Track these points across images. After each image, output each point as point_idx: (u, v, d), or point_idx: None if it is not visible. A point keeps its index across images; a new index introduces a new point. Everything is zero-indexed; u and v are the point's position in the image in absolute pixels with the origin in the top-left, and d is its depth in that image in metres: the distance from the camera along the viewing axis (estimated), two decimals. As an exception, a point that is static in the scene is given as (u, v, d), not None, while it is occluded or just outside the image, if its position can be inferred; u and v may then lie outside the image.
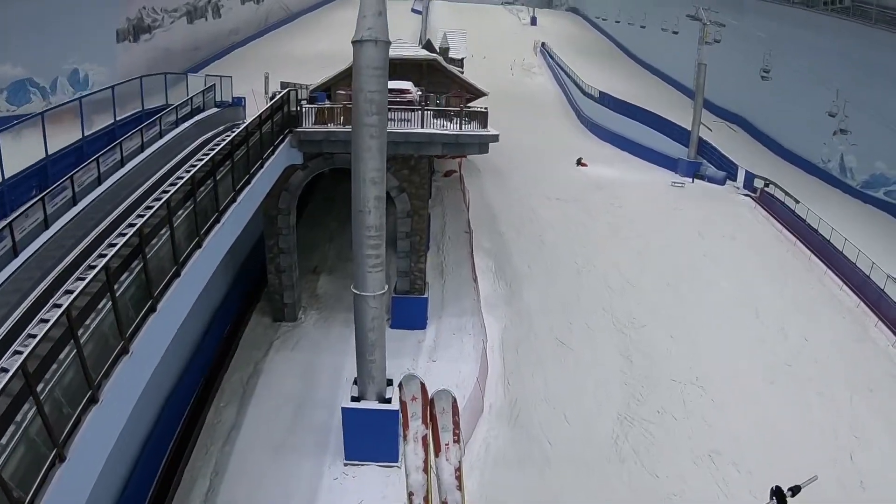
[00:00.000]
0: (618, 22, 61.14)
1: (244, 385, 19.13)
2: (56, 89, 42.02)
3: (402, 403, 7.88)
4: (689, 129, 42.87)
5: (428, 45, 43.10)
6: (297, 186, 21.62)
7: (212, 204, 14.68)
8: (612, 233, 28.46)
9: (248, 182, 16.14)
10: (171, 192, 12.54)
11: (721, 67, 53.83)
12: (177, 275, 11.97)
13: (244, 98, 29.05)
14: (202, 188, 14.11)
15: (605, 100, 51.05)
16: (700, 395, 19.98)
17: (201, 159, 16.13)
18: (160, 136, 19.38)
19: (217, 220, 14.84)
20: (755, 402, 19.46)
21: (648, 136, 45.95)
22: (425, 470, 7.57)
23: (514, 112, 55.78)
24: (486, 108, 22.98)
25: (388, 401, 15.45)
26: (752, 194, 37.75)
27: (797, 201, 33.43)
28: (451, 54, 45.33)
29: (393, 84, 24.27)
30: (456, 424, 7.58)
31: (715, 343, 22.32)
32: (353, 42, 14.14)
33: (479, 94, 34.26)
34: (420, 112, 21.40)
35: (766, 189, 36.88)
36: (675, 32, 48.71)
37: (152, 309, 10.72)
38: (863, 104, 39.58)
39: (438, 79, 33.97)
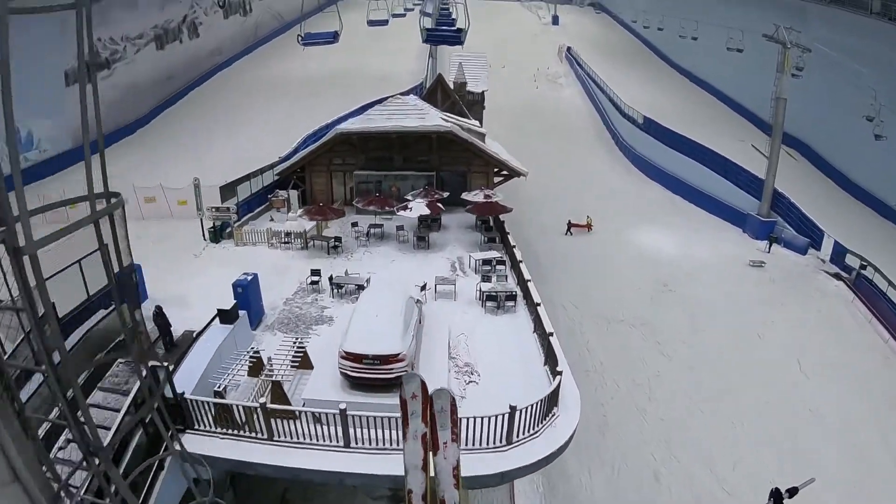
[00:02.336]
0: (661, 29, 52.58)
1: None
2: (-10, 153, 34.52)
3: (402, 401, 7.17)
4: (759, 175, 34.62)
5: (440, 80, 34.91)
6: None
7: None
8: (694, 387, 20.25)
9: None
10: None
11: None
12: None
13: (136, 271, 18.15)
14: None
15: (652, 128, 42.72)
16: None
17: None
18: None
19: None
20: None
21: (708, 179, 37.75)
22: (424, 468, 7.26)
23: (541, 138, 47.78)
24: (561, 372, 13.46)
25: None
26: (845, 276, 29.44)
27: (904, 294, 25.56)
28: (470, 87, 37.26)
29: (363, 345, 13.26)
30: (454, 423, 7.13)
31: None
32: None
33: (512, 172, 26.28)
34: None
35: (863, 273, 28.61)
36: (740, 51, 40.17)
37: None
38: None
39: (454, 153, 26.11)
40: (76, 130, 39.05)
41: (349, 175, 27.73)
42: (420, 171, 27.19)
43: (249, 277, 17.09)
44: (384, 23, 40.99)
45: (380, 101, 39.11)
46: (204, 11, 52.94)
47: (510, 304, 18.17)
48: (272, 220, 26.78)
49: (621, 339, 22.41)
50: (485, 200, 24.76)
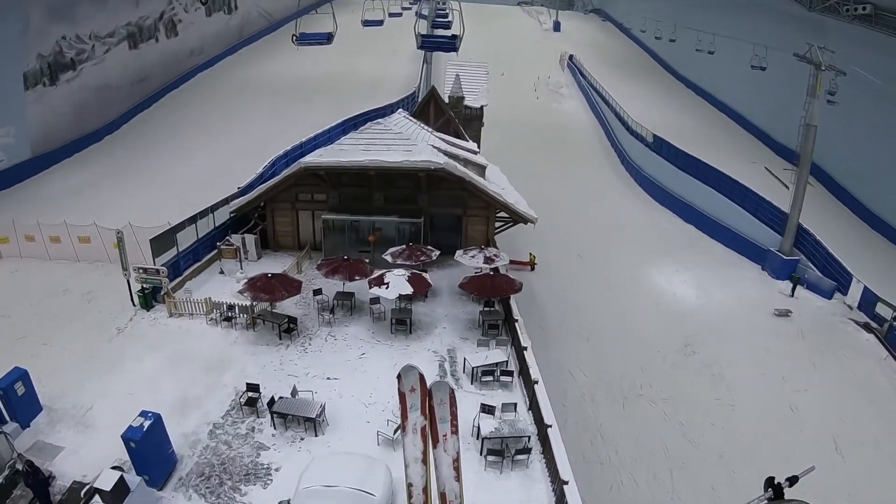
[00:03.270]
0: (673, 41, 49.58)
1: None
2: (-59, 171, 31.12)
3: (401, 394, 7.25)
4: (781, 208, 31.56)
5: (433, 94, 31.53)
6: None
7: None
8: (725, 480, 16.51)
9: None
10: None
11: (793, 99, 42.69)
12: None
13: (22, 378, 13.97)
14: None
15: (663, 149, 39.65)
16: None
17: None
18: None
19: None
20: None
21: (724, 208, 34.67)
22: (424, 461, 7.30)
23: (541, 154, 44.56)
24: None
25: None
26: (876, 327, 26.49)
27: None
28: (469, 102, 33.79)
29: None
30: (453, 415, 7.26)
31: None
32: None
33: (518, 218, 22.77)
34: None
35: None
36: (763, 68, 37.15)
37: None
38: None
39: (448, 191, 22.43)
40: (36, 138, 35.68)
41: (320, 214, 23.75)
42: (405, 215, 23.08)
43: (148, 422, 12.09)
44: (379, 23, 40.70)
45: (363, 118, 35.45)
46: (184, 8, 49.47)
47: (522, 456, 13.52)
48: (222, 272, 22.55)
49: (640, 419, 19.23)
50: (484, 274, 20.22)
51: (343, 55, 58.86)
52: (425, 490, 7.23)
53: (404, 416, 7.24)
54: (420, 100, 31.92)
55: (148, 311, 19.58)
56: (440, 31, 32.77)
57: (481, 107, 33.17)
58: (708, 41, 42.27)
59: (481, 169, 23.98)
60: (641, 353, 22.01)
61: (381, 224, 22.81)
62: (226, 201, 24.61)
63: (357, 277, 19.38)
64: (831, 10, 38.14)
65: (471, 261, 20.74)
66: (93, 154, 39.00)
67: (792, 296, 28.60)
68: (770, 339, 24.72)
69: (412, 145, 22.34)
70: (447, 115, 29.82)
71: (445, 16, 36.24)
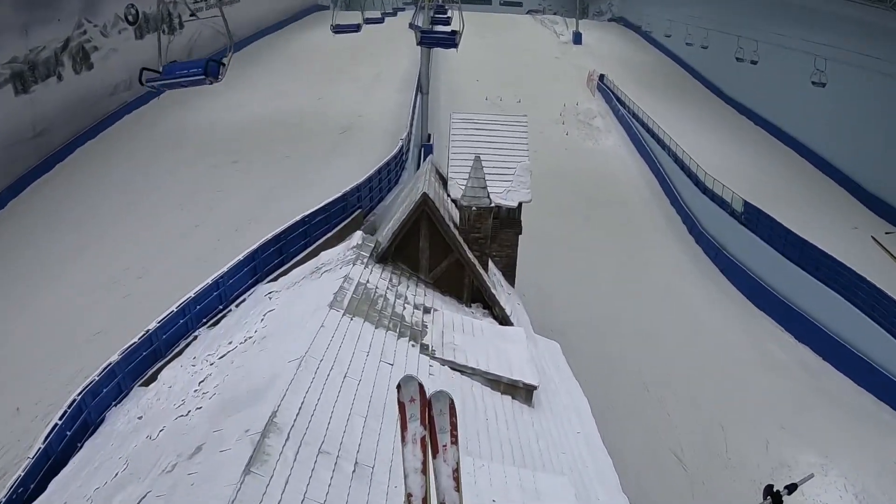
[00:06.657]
0: (754, 63, 38.33)
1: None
2: None
3: (401, 404, 5.87)
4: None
5: (426, 207, 18.18)
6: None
7: None
8: None
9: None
10: None
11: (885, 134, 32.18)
12: None
13: None
14: None
15: (763, 228, 27.91)
16: None
17: None
18: None
19: None
20: None
21: (856, 325, 22.93)
22: (424, 471, 5.92)
23: (579, 223, 32.47)
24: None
25: None
26: None
27: None
28: (498, 199, 19.35)
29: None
30: (453, 426, 5.92)
31: None
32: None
33: None
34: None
35: None
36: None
37: None
38: None
39: None
40: None
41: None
42: None
43: None
44: (356, 28, 36.34)
45: (299, 232, 19.46)
46: (101, 31, 37.65)
47: None
48: None
49: None
50: None
51: (311, 83, 47.26)
52: (424, 500, 5.69)
53: (403, 426, 5.77)
54: (401, 225, 15.35)
55: None
56: (439, 28, 30.78)
57: (520, 204, 19.69)
58: (817, 72, 30.69)
59: None
60: None
61: None
62: None
63: None
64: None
65: None
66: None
67: None
68: None
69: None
70: (457, 254, 15.36)
71: (444, 12, 34.90)
